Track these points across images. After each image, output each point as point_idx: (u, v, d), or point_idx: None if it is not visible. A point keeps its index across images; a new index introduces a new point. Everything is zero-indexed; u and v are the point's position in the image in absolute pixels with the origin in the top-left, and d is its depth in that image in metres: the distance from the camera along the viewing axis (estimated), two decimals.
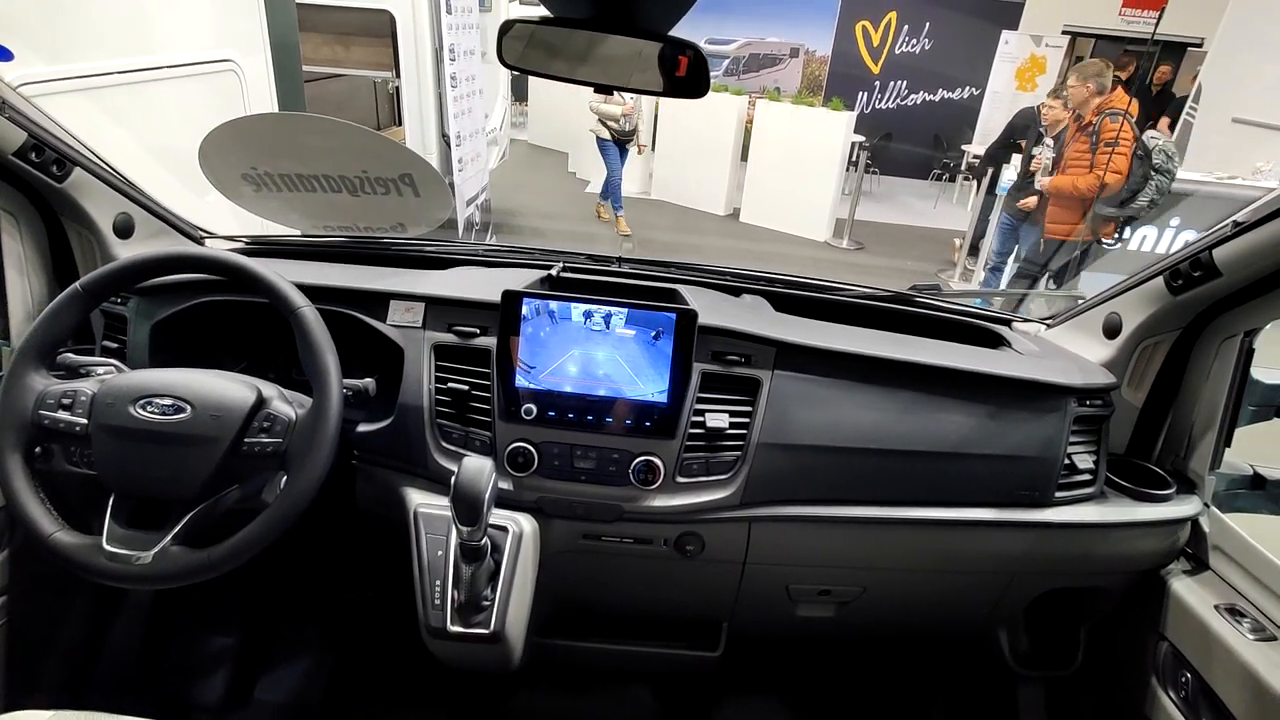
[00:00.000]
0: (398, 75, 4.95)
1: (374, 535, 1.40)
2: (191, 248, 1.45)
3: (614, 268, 1.46)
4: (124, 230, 1.35)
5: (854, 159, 7.12)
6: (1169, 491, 1.28)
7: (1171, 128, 6.42)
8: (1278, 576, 1.16)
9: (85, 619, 1.48)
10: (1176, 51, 8.35)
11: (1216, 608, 1.19)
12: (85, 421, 1.00)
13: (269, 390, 1.06)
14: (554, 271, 1.36)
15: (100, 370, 1.10)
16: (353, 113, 5.79)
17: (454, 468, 0.96)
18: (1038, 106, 4.80)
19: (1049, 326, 1.54)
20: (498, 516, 1.15)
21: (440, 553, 1.11)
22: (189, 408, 1.00)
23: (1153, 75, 7.42)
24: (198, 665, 1.64)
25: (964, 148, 8.67)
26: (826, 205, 6.97)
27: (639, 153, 6.36)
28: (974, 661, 1.63)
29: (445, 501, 1.02)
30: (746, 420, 1.20)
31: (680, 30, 0.83)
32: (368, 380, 1.20)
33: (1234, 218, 1.08)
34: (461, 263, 1.48)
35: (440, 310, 1.25)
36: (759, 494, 1.20)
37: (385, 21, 4.73)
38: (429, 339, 1.23)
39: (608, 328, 1.16)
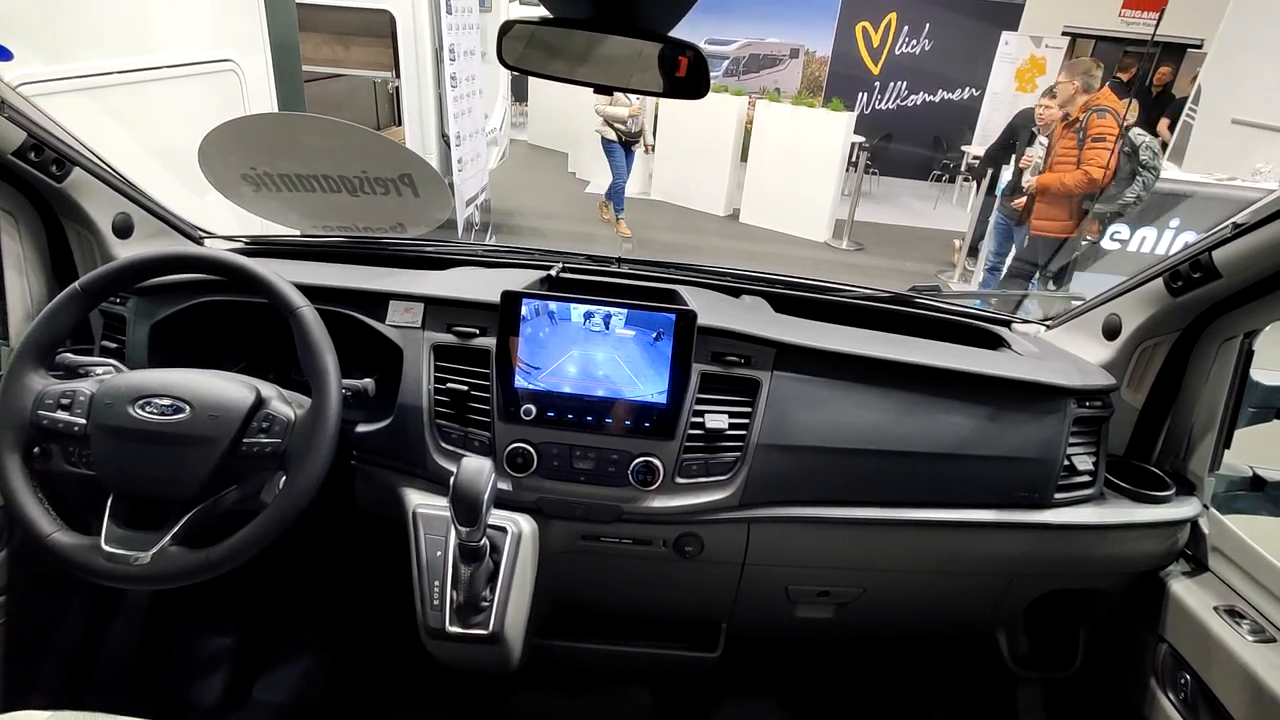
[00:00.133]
0: (397, 75, 4.95)
1: (373, 536, 1.40)
2: (191, 248, 1.45)
3: (613, 268, 1.46)
4: (123, 230, 1.35)
5: (854, 160, 7.12)
6: (1168, 493, 1.28)
7: (1171, 129, 6.42)
8: (1277, 578, 1.16)
9: (84, 619, 1.48)
10: (1176, 53, 8.36)
11: (1216, 609, 1.19)
12: (84, 421, 1.00)
13: (268, 390, 1.06)
14: (553, 272, 1.36)
15: (99, 370, 1.10)
16: (352, 113, 5.79)
17: (453, 468, 0.96)
18: (1035, 106, 4.81)
19: (1049, 328, 1.54)
20: (497, 517, 1.15)
21: (439, 553, 1.11)
22: (188, 408, 1.00)
23: (1153, 76, 7.42)
24: (196, 665, 1.64)
25: (964, 149, 8.68)
26: (826, 206, 6.97)
27: (646, 152, 6.33)
28: (973, 663, 1.63)
29: (444, 502, 1.01)
30: (746, 421, 1.20)
31: (680, 31, 0.83)
32: (367, 380, 1.20)
33: (1234, 219, 1.08)
34: (461, 263, 1.48)
35: (439, 310, 1.25)
36: (758, 495, 1.20)
37: (385, 21, 4.73)
38: (428, 339, 1.23)
39: (607, 328, 1.16)
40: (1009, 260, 4.76)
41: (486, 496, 0.95)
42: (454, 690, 1.69)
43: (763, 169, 7.22)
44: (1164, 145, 6.51)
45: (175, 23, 2.57)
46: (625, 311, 1.15)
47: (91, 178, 1.27)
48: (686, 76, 0.85)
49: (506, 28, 0.86)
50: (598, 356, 1.16)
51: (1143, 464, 1.36)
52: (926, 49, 9.80)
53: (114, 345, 1.32)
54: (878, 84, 10.06)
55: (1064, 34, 8.91)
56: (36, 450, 1.02)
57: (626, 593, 1.41)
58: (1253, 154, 4.89)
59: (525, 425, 1.18)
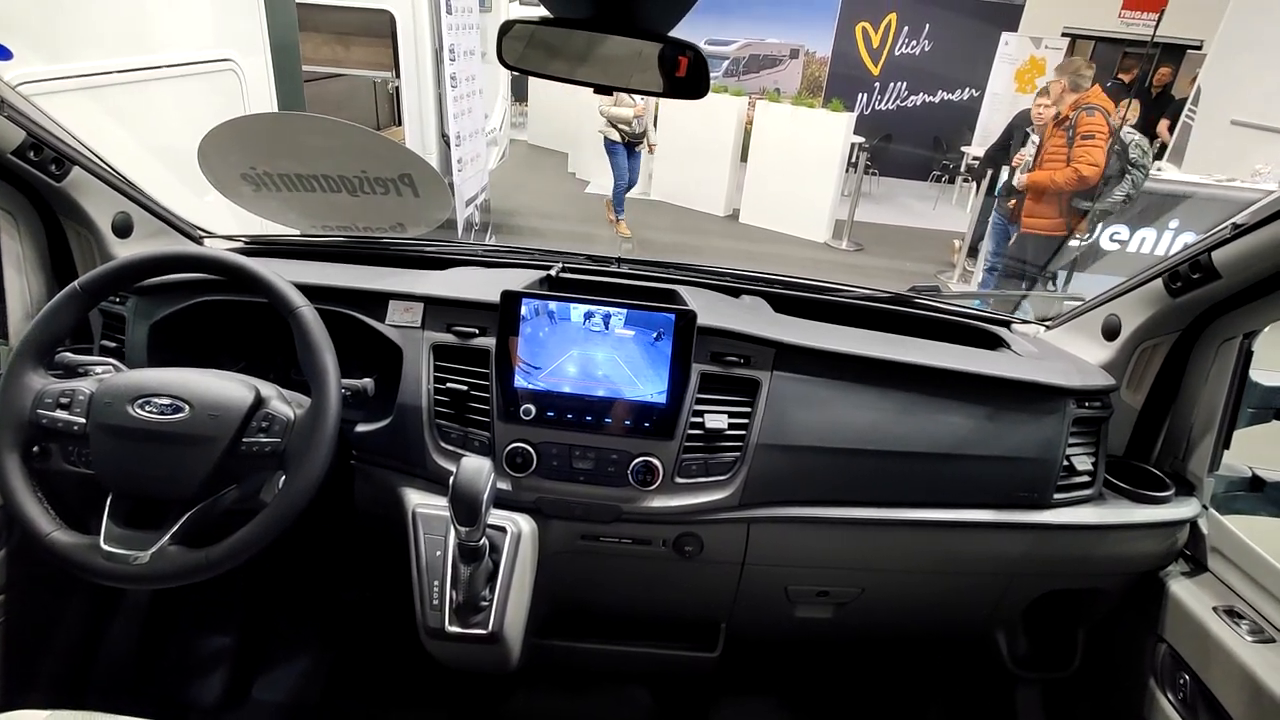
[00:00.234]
0: (397, 75, 4.95)
1: (372, 535, 1.40)
2: (190, 247, 1.45)
3: (613, 268, 1.46)
4: (123, 229, 1.35)
5: (853, 160, 7.12)
6: (1167, 493, 1.28)
7: (1171, 130, 6.42)
8: (1276, 578, 1.16)
9: (83, 619, 1.48)
10: (1176, 54, 8.36)
11: (1215, 609, 1.19)
12: (83, 421, 1.00)
13: (267, 390, 1.06)
14: (553, 272, 1.36)
15: (98, 369, 1.09)
16: (352, 113, 5.79)
17: (452, 468, 0.96)
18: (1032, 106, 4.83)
19: (1048, 328, 1.54)
20: (496, 517, 1.15)
21: (439, 553, 1.11)
22: (187, 407, 1.00)
23: (1152, 77, 7.43)
24: (196, 665, 1.64)
25: (963, 149, 8.68)
26: (826, 206, 6.97)
27: (650, 152, 6.31)
28: (972, 663, 1.63)
29: (444, 502, 1.01)
30: (745, 421, 1.20)
31: (680, 31, 0.83)
32: (366, 380, 1.20)
33: (1233, 220, 1.08)
34: (461, 263, 1.48)
35: (439, 310, 1.25)
36: (758, 495, 1.20)
37: (385, 21, 4.73)
38: (428, 339, 1.23)
39: (607, 328, 1.16)
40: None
41: (486, 496, 0.95)
42: (453, 690, 1.69)
43: (762, 169, 7.22)
44: (1163, 146, 6.52)
45: (175, 22, 2.57)
46: (625, 311, 1.15)
47: (91, 177, 1.27)
48: (686, 76, 0.85)
49: (506, 28, 0.86)
50: (597, 356, 1.16)
51: (1142, 464, 1.36)
52: (926, 50, 9.80)
53: (113, 344, 1.32)
54: (877, 84, 10.06)
55: (1064, 35, 8.92)
56: (36, 449, 1.02)
57: (626, 593, 1.41)
58: (1252, 155, 4.89)
59: (525, 425, 1.18)
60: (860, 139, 7.20)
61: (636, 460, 1.17)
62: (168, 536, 0.97)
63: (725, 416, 1.19)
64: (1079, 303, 1.47)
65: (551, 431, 1.18)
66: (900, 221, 8.06)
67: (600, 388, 1.17)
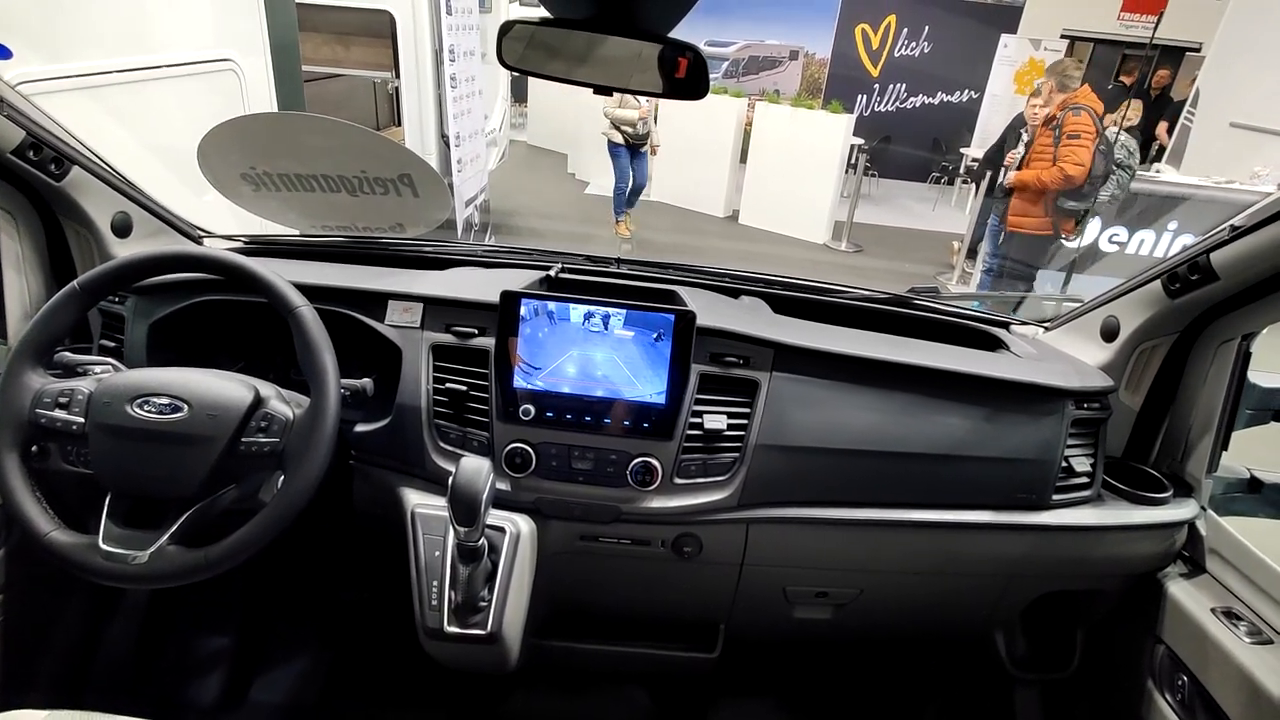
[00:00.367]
0: (397, 76, 4.94)
1: (371, 536, 1.40)
2: (190, 247, 1.45)
3: (612, 269, 1.46)
4: (122, 229, 1.35)
5: (853, 161, 7.13)
6: (1166, 495, 1.28)
7: (1170, 132, 6.43)
8: (1274, 580, 1.16)
9: (81, 618, 1.48)
10: (1175, 56, 8.37)
11: (1213, 611, 1.19)
12: (82, 420, 1.00)
13: (266, 390, 1.06)
14: (552, 272, 1.36)
15: (97, 369, 1.09)
16: (352, 113, 5.78)
17: (451, 468, 0.97)
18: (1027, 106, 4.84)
19: (1047, 329, 1.54)
20: (495, 517, 1.15)
21: (437, 553, 1.11)
22: (186, 407, 1.00)
23: (1151, 79, 7.44)
24: (194, 665, 1.63)
25: (962, 151, 8.70)
26: (825, 207, 6.97)
27: (653, 154, 6.29)
28: (971, 664, 1.64)
29: (442, 502, 1.01)
30: (744, 422, 1.20)
31: (680, 32, 0.83)
32: (365, 380, 1.20)
33: (1231, 222, 1.08)
34: (460, 263, 1.48)
35: (438, 310, 1.25)
36: (757, 495, 1.20)
37: (385, 22, 4.73)
38: (427, 339, 1.23)
39: (606, 329, 1.16)
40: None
41: (485, 496, 0.95)
42: (452, 690, 1.68)
43: (762, 170, 7.22)
44: (1161, 148, 6.53)
45: (175, 22, 2.57)
46: (624, 312, 1.15)
47: (90, 177, 1.27)
48: (686, 77, 0.85)
49: (506, 28, 0.86)
50: (596, 357, 1.16)
51: (1140, 466, 1.36)
52: (926, 51, 9.81)
53: (112, 344, 1.32)
54: (877, 86, 10.07)
55: (1063, 36, 8.93)
56: (34, 449, 1.02)
57: (625, 593, 1.41)
58: (1251, 157, 4.90)
59: (524, 425, 1.18)
60: (859, 140, 7.21)
61: (635, 461, 1.17)
62: (166, 536, 0.97)
63: (724, 417, 1.19)
64: (1077, 304, 1.47)
65: (550, 432, 1.18)
66: (899, 223, 8.07)
67: (599, 388, 1.17)
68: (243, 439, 1.01)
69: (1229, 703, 1.11)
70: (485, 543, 1.06)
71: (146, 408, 0.99)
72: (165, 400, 1.00)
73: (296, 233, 1.67)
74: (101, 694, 1.50)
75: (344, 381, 1.11)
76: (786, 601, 1.38)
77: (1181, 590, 1.26)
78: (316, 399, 1.03)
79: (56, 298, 1.04)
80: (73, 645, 1.46)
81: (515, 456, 1.17)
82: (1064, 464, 1.25)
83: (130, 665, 1.55)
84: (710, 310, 1.25)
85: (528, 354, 1.17)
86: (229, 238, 1.54)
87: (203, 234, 1.51)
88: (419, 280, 1.31)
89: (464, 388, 1.19)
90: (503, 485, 1.18)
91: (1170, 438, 1.36)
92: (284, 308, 1.05)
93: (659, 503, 1.19)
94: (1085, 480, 1.28)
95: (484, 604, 1.08)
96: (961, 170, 8.68)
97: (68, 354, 1.11)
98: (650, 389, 1.16)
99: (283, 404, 1.05)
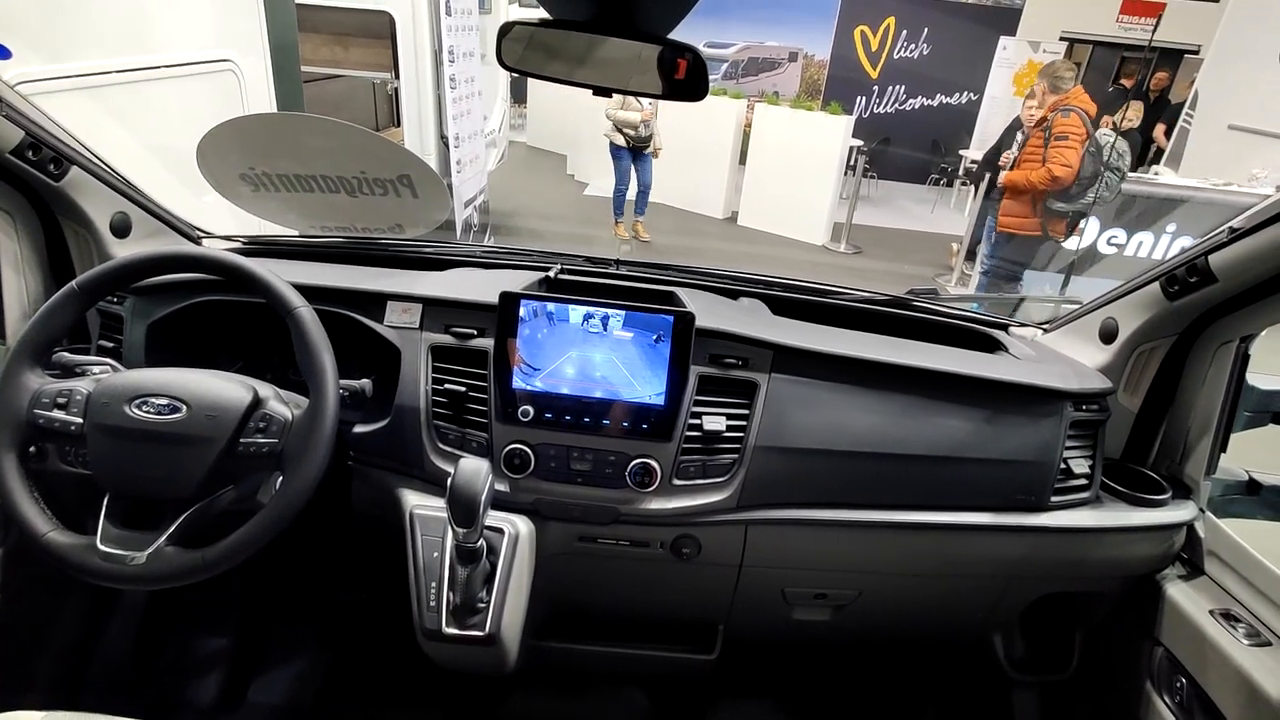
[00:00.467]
0: (397, 76, 4.94)
1: (369, 537, 1.40)
2: (188, 247, 1.45)
3: (611, 270, 1.46)
4: (121, 229, 1.35)
5: (852, 163, 7.13)
6: (1164, 497, 1.28)
7: (1168, 134, 6.44)
8: (1273, 582, 1.16)
9: (79, 619, 1.48)
10: (1173, 58, 8.39)
11: (1211, 613, 1.19)
12: (80, 421, 1.00)
13: (265, 390, 1.06)
14: (552, 273, 1.36)
15: (96, 369, 1.09)
16: (351, 113, 5.78)
17: (450, 469, 0.96)
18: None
19: (1046, 331, 1.54)
20: (494, 518, 1.15)
21: (436, 554, 1.11)
22: (184, 407, 0.99)
23: (1149, 82, 7.45)
24: (192, 666, 1.63)
25: (961, 153, 8.70)
26: (824, 209, 6.97)
27: (656, 157, 6.29)
28: (969, 666, 1.63)
29: (441, 503, 1.01)
30: (743, 423, 1.20)
31: (679, 33, 0.83)
32: (364, 381, 1.20)
33: (1230, 224, 1.08)
34: (459, 264, 1.48)
35: (437, 311, 1.25)
36: (755, 497, 1.20)
37: (385, 23, 4.73)
38: (426, 340, 1.23)
39: (605, 330, 1.16)
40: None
41: (484, 498, 0.95)
42: (450, 692, 1.68)
43: (761, 172, 7.23)
44: (1159, 151, 6.54)
45: (174, 22, 2.57)
46: (623, 313, 1.15)
47: (89, 177, 1.27)
48: (685, 79, 0.85)
49: (506, 29, 0.86)
50: (596, 358, 1.16)
51: (1139, 468, 1.36)
52: (925, 53, 9.82)
53: (111, 344, 1.31)
54: (876, 88, 10.07)
55: (1062, 39, 8.94)
56: (32, 449, 1.02)
57: (623, 594, 1.41)
58: (1249, 159, 4.91)
59: (523, 426, 1.18)
60: (859, 142, 7.21)
61: (634, 462, 1.17)
62: (164, 537, 0.97)
63: (723, 418, 1.19)
64: (1076, 306, 1.47)
65: (549, 433, 1.18)
66: (898, 224, 8.07)
67: (598, 389, 1.17)
68: (241, 440, 1.00)
69: (1227, 705, 1.11)
70: (484, 544, 1.06)
71: (145, 408, 0.99)
72: (164, 401, 0.99)
73: (295, 233, 1.67)
74: (99, 695, 1.50)
75: (343, 382, 1.10)
76: (785, 603, 1.38)
77: (1180, 592, 1.26)
78: (315, 400, 1.03)
79: (55, 298, 1.04)
80: (70, 646, 1.46)
81: (514, 457, 1.17)
82: (1063, 465, 1.25)
83: (128, 666, 1.54)
84: (709, 311, 1.25)
85: (527, 355, 1.17)
86: (228, 238, 1.54)
87: (201, 234, 1.51)
88: (418, 281, 1.31)
89: (463, 389, 1.19)
90: (501, 486, 1.18)
91: (1169, 440, 1.36)
92: (283, 308, 1.05)
93: (658, 504, 1.18)
94: (1084, 482, 1.28)
95: (482, 605, 1.08)
96: (960, 172, 8.68)
97: (66, 354, 1.10)
98: (649, 390, 1.16)
99: (281, 405, 1.05)
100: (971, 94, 9.64)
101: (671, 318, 1.15)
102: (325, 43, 5.31)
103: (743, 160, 7.44)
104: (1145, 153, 6.84)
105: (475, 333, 1.22)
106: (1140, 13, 8.59)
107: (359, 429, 1.23)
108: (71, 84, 2.00)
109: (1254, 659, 1.09)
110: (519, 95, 9.48)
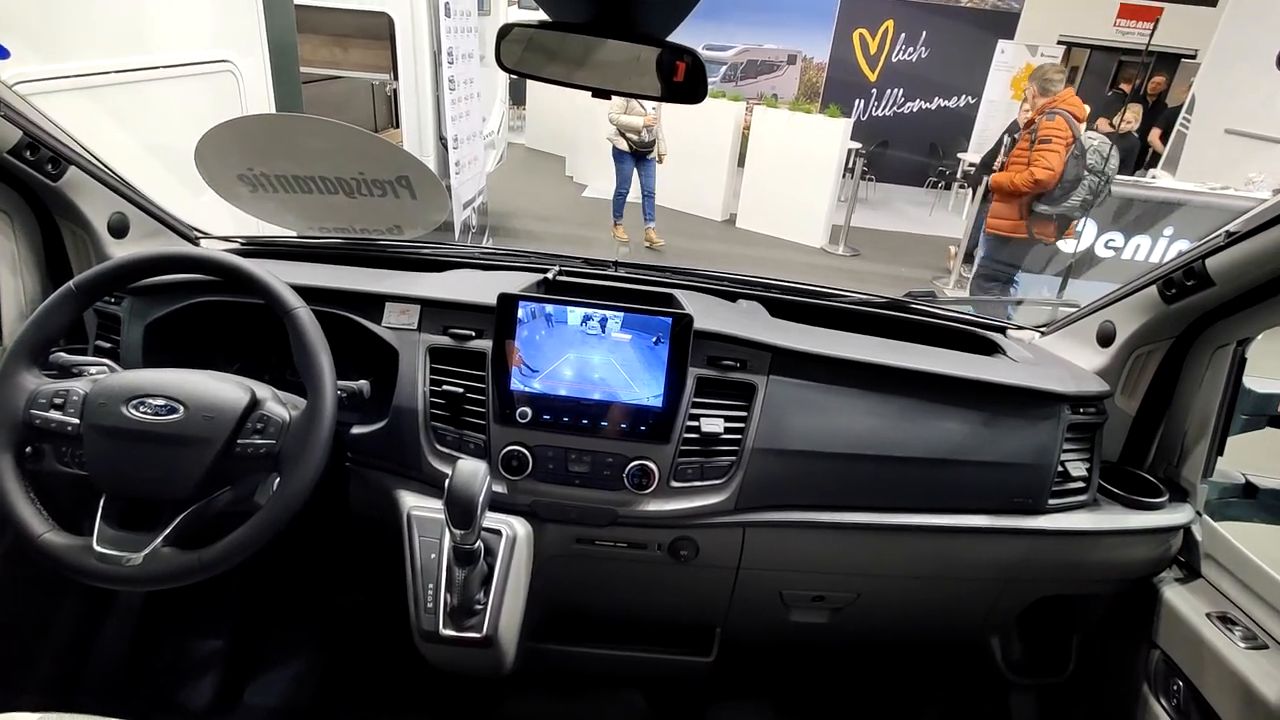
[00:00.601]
0: (396, 78, 4.95)
1: (367, 538, 1.40)
2: (186, 248, 1.45)
3: (610, 272, 1.46)
4: (119, 230, 1.34)
5: (850, 166, 7.15)
6: (1161, 500, 1.28)
7: (1165, 138, 6.46)
8: (1269, 585, 1.16)
9: (75, 620, 1.47)
10: (1170, 62, 8.42)
11: (1208, 616, 1.19)
12: (77, 421, 0.99)
13: (263, 391, 1.05)
14: (550, 275, 1.36)
15: (93, 370, 1.09)
16: (350, 115, 5.78)
17: (448, 470, 0.96)
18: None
19: (1043, 334, 1.55)
20: (491, 520, 1.15)
21: (433, 556, 1.11)
22: (182, 408, 0.99)
23: (1147, 86, 7.48)
24: (188, 668, 1.63)
25: (960, 156, 8.72)
26: (823, 211, 6.98)
27: (660, 162, 6.28)
28: (967, 668, 1.63)
29: (439, 504, 1.01)
30: (741, 425, 1.20)
31: (678, 35, 0.83)
32: (362, 382, 1.20)
33: (1227, 227, 1.09)
34: (457, 265, 1.48)
35: (436, 313, 1.25)
36: (753, 499, 1.20)
37: (384, 24, 4.73)
38: (424, 341, 1.23)
39: (603, 332, 1.16)
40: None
41: (481, 499, 0.95)
42: (447, 694, 1.68)
43: (760, 174, 7.24)
44: (1155, 155, 6.56)
45: (173, 23, 2.57)
46: (622, 315, 1.15)
47: (87, 177, 1.27)
48: (684, 81, 0.85)
49: (505, 31, 0.86)
50: (594, 360, 1.16)
51: (1136, 470, 1.36)
52: (923, 56, 9.84)
53: (108, 345, 1.31)
54: (875, 90, 10.10)
55: (1059, 43, 8.98)
56: (29, 450, 1.02)
57: (621, 596, 1.40)
58: (1246, 163, 4.93)
59: (521, 428, 1.17)
60: (857, 145, 7.22)
61: (632, 464, 1.17)
62: (161, 538, 0.97)
63: (721, 420, 1.19)
64: (1074, 309, 1.48)
65: (547, 434, 1.18)
66: (896, 227, 8.09)
67: (596, 391, 1.17)
68: (238, 441, 1.00)
69: (1224, 708, 1.11)
70: (481, 545, 1.06)
71: (142, 409, 0.98)
72: (161, 401, 0.99)
73: (294, 234, 1.66)
74: (95, 696, 1.49)
75: (340, 383, 1.10)
76: (783, 605, 1.38)
77: (1177, 595, 1.26)
78: (313, 401, 1.03)
79: (52, 298, 1.04)
80: (66, 647, 1.46)
81: (512, 459, 1.17)
82: (1060, 468, 1.25)
83: (124, 667, 1.54)
84: (708, 314, 1.25)
85: (525, 356, 1.16)
86: (226, 239, 1.54)
87: (199, 235, 1.51)
88: (416, 282, 1.31)
89: (461, 390, 1.19)
90: (499, 488, 1.17)
91: (1166, 443, 1.36)
92: (281, 309, 1.05)
93: (655, 506, 1.18)
94: (1081, 485, 1.28)
95: (480, 607, 1.08)
96: (958, 175, 8.71)
97: (63, 354, 1.10)
98: (647, 392, 1.16)
99: (279, 406, 1.05)
100: (970, 97, 9.67)
101: (670, 320, 1.15)
102: (324, 44, 5.31)
103: (741, 162, 7.45)
104: (1143, 156, 6.87)
105: (473, 334, 1.22)
106: (1138, 17, 8.63)
107: (357, 430, 1.23)
108: (70, 84, 2.00)
109: (1250, 662, 1.09)
110: (518, 97, 9.49)
